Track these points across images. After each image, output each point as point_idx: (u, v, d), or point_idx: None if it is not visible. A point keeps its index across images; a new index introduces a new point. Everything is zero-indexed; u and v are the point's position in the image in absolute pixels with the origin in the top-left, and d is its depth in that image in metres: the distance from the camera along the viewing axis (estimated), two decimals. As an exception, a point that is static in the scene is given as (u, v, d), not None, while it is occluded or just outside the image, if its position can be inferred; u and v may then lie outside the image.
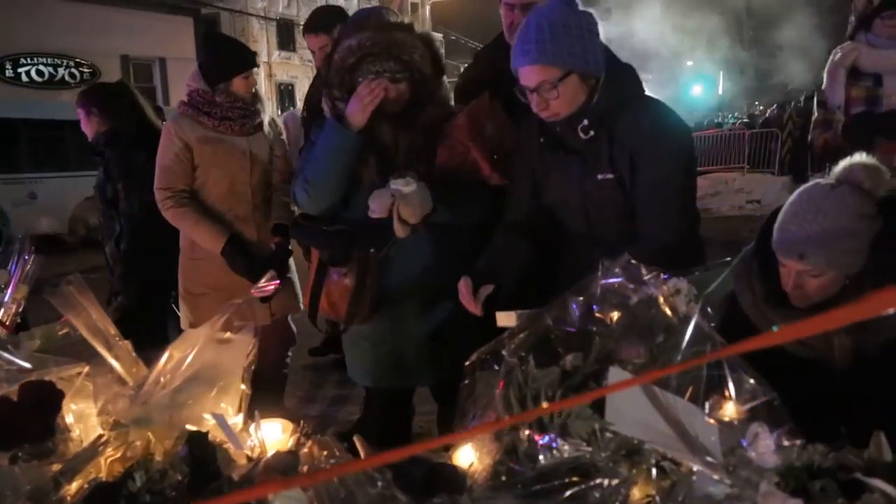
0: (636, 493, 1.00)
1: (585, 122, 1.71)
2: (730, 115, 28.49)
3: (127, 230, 3.21)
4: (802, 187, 1.52)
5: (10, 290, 2.23)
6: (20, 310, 2.22)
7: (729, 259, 1.52)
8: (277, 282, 1.58)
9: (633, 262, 1.17)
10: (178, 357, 1.36)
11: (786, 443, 0.92)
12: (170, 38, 18.95)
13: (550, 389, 1.03)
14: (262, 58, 24.56)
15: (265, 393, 3.19)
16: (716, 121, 21.98)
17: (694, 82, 31.54)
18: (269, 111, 24.08)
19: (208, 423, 1.30)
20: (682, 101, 26.68)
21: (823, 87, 2.85)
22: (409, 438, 2.43)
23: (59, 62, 16.96)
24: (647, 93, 1.89)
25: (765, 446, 0.91)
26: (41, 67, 16.71)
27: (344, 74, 2.02)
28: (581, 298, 1.16)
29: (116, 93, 3.39)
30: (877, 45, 2.67)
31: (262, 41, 24.58)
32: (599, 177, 1.75)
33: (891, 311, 0.49)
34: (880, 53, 2.66)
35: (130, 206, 3.18)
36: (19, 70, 16.35)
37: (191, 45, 19.93)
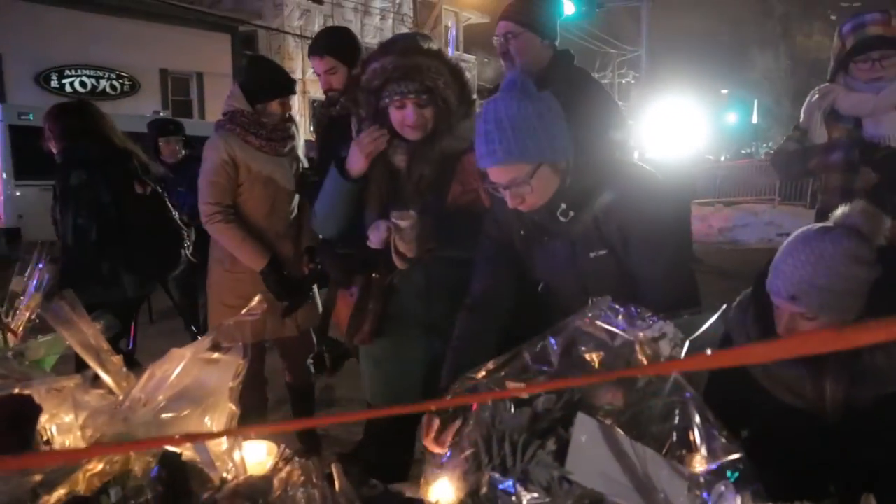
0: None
1: (563, 205, 1.67)
2: (763, 146, 28.17)
3: (61, 250, 3.25)
4: (800, 229, 1.49)
5: (25, 298, 2.28)
6: (33, 317, 2.27)
7: (725, 306, 1.49)
8: (265, 305, 1.59)
9: (613, 306, 1.15)
10: (161, 375, 1.36)
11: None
12: (208, 53, 19.43)
13: (516, 433, 1.01)
14: (297, 75, 24.95)
15: (299, 403, 3.29)
16: (745, 151, 21.67)
17: (728, 110, 31.23)
18: (303, 128, 24.43)
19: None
20: (715, 128, 26.40)
21: (800, 125, 2.79)
22: (411, 460, 2.42)
23: (101, 74, 17.48)
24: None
25: (729, 504, 0.88)
26: (84, 79, 17.23)
27: (369, 96, 2.04)
28: (560, 338, 1.15)
29: (74, 112, 3.38)
30: (854, 88, 2.60)
31: (298, 59, 24.98)
32: (592, 255, 1.71)
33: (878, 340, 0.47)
34: (858, 97, 2.58)
35: (64, 226, 3.23)
36: (63, 81, 16.87)
37: (228, 61, 20.39)
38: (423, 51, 2.02)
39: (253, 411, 3.38)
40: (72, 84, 16.99)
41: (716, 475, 0.90)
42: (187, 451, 1.26)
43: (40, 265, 2.33)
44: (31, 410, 1.22)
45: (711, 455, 0.91)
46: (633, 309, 1.23)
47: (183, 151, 4.61)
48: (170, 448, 1.25)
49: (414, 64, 1.97)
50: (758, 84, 30.41)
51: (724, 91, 35.75)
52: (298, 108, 24.87)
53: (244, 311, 1.57)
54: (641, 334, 1.12)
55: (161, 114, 15.35)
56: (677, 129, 14.84)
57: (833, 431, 1.45)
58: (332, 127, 2.94)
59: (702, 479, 0.90)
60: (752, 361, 1.34)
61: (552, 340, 1.19)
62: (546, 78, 2.57)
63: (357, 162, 2.04)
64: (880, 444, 1.37)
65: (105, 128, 3.35)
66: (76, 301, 1.42)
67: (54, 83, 16.75)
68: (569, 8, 12.16)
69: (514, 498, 0.94)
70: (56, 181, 3.30)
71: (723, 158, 20.66)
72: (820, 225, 1.47)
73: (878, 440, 1.38)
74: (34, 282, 2.30)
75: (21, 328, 2.20)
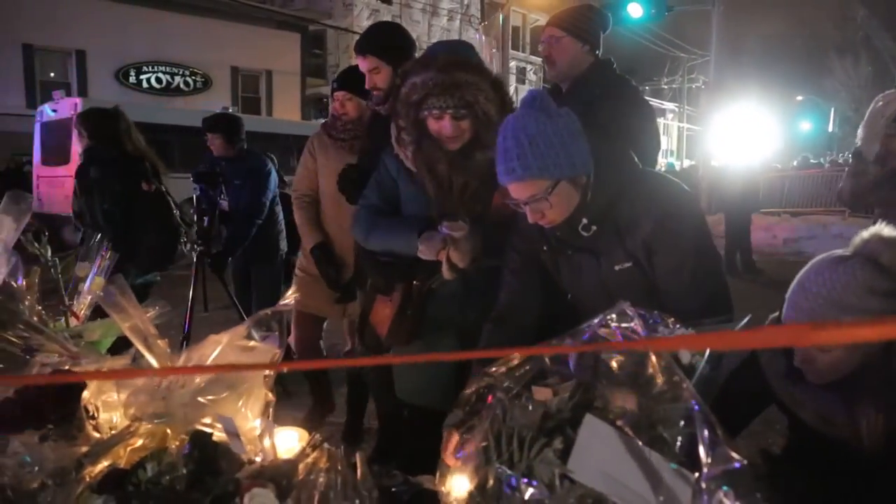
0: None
1: (584, 220, 1.67)
2: (839, 156, 26.99)
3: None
4: (817, 257, 1.43)
5: (87, 283, 2.41)
6: (94, 301, 2.40)
7: (750, 316, 1.46)
8: (297, 298, 1.65)
9: (627, 311, 1.16)
10: (197, 359, 1.44)
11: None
12: (277, 52, 19.97)
13: (525, 430, 1.03)
14: (364, 74, 25.34)
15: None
16: (815, 161, 20.77)
17: (802, 118, 30.09)
18: (365, 125, 24.73)
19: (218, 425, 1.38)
20: (788, 136, 25.48)
21: (859, 136, 2.66)
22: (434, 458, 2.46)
23: (175, 71, 18.23)
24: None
25: (728, 513, 0.88)
26: (160, 75, 17.99)
27: (409, 108, 2.06)
28: (573, 341, 1.16)
29: (106, 117, 3.87)
30: None
31: (365, 58, 25.38)
32: (617, 267, 1.70)
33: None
34: None
35: (93, 214, 3.74)
36: (141, 77, 17.66)
37: (296, 59, 20.91)
38: (463, 65, 2.02)
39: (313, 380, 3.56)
40: (148, 80, 17.77)
41: (716, 482, 0.90)
42: (219, 433, 1.33)
43: (103, 250, 2.46)
44: (75, 386, 1.31)
45: (714, 462, 0.91)
46: (655, 315, 1.23)
47: (235, 147, 4.54)
48: (202, 428, 1.32)
49: (454, 80, 1.98)
50: (835, 91, 29.19)
51: (799, 98, 34.45)
52: (365, 106, 25.24)
53: (281, 302, 1.64)
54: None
55: (230, 110, 15.92)
56: (746, 136, 14.41)
57: (869, 464, 1.38)
58: (377, 124, 3.01)
59: (703, 485, 0.90)
60: (749, 346, 1.31)
61: (570, 342, 1.20)
62: (583, 83, 2.59)
63: (432, 249, 2.02)
64: None
65: (121, 134, 3.81)
66: (126, 286, 1.52)
67: (132, 79, 17.55)
68: (636, 11, 12.00)
69: (516, 493, 0.96)
70: (77, 177, 3.81)
71: (794, 164, 19.87)
72: (838, 253, 1.40)
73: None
74: (96, 268, 2.44)
75: (83, 311, 2.34)
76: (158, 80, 18.05)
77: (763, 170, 11.20)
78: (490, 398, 1.17)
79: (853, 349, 1.34)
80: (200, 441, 1.25)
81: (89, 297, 2.38)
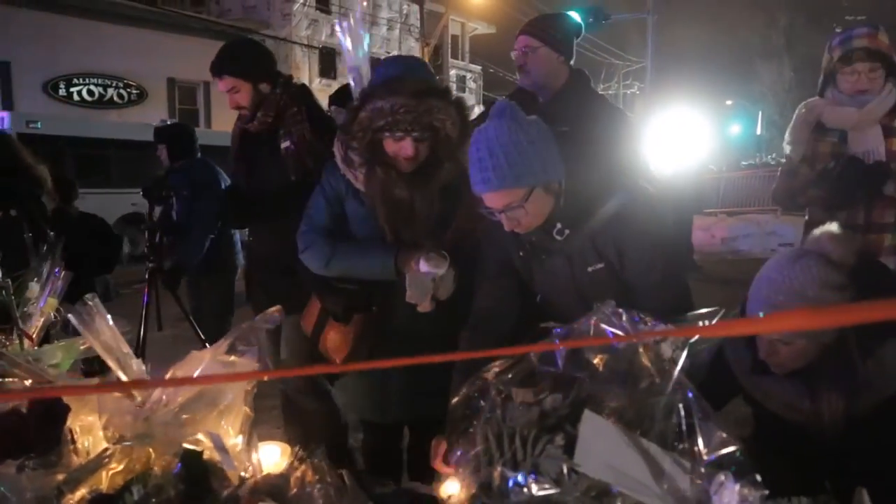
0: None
1: (559, 225, 1.71)
2: (768, 157, 28.20)
3: None
4: (774, 256, 1.52)
5: (40, 303, 2.32)
6: (47, 323, 2.31)
7: (723, 311, 1.52)
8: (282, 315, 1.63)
9: (615, 309, 1.20)
10: (181, 377, 1.41)
11: (747, 494, 0.93)
12: (215, 62, 19.56)
13: (526, 429, 1.06)
14: (304, 84, 25.12)
15: None
16: (745, 162, 21.69)
17: (732, 121, 31.28)
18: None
19: (205, 442, 1.36)
20: (719, 139, 26.44)
21: (787, 140, 2.82)
22: (400, 471, 2.46)
23: (108, 83, 17.61)
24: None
25: (729, 496, 0.93)
26: (92, 87, 17.36)
27: (368, 133, 1.98)
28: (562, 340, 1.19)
29: None
30: (840, 101, 2.62)
31: (305, 68, 25.16)
32: (590, 269, 1.75)
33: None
34: (843, 110, 2.60)
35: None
36: (71, 90, 17.00)
37: (235, 69, 20.52)
38: (432, 91, 1.98)
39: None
40: (79, 93, 17.12)
41: (715, 467, 0.95)
42: (208, 451, 1.31)
43: (56, 271, 2.38)
44: (60, 410, 1.26)
45: (711, 448, 0.96)
46: (635, 314, 1.28)
47: (180, 158, 4.44)
48: (189, 447, 1.30)
49: (423, 107, 1.93)
50: (762, 95, 30.49)
51: (729, 102, 35.83)
52: (304, 117, 25.00)
53: (259, 317, 1.62)
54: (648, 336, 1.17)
55: (168, 122, 15.51)
56: (681, 140, 14.89)
57: (831, 444, 1.48)
58: (246, 140, 2.89)
59: (703, 470, 0.95)
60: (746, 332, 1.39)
61: (556, 343, 1.23)
62: (562, 99, 2.59)
63: (423, 292, 1.99)
64: (881, 450, 1.41)
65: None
66: (99, 305, 1.48)
67: (62, 91, 16.88)
68: (576, 20, 12.34)
69: (525, 490, 0.98)
70: None
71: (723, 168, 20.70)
72: (794, 251, 1.50)
73: (879, 447, 1.41)
74: (48, 288, 2.35)
75: (36, 333, 2.25)
76: (90, 93, 17.42)
77: (700, 172, 11.60)
78: (483, 402, 1.19)
79: (813, 340, 1.44)
80: (191, 459, 1.23)
81: (41, 320, 2.30)
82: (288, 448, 1.65)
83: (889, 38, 2.60)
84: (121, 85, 17.80)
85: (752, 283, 1.53)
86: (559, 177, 1.67)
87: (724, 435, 0.97)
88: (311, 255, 2.16)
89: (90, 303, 1.46)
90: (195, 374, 1.49)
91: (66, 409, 1.29)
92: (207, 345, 3.55)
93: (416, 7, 27.70)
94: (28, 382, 1.49)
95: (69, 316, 1.46)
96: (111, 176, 11.60)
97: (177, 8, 20.03)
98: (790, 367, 1.50)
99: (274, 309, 1.59)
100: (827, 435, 1.50)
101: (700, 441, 0.97)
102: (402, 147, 1.96)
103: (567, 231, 1.70)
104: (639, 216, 1.71)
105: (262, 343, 1.60)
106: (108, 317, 1.48)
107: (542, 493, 0.97)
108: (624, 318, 1.16)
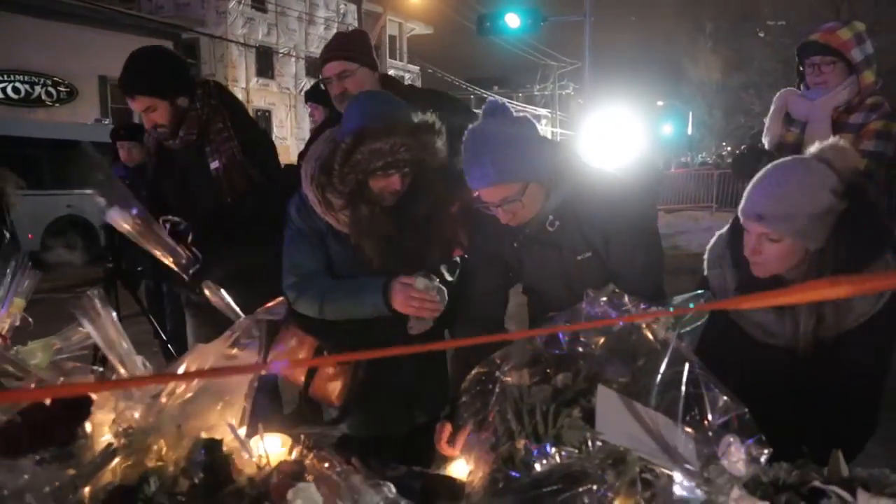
0: (620, 502, 1.12)
1: (550, 217, 1.81)
2: (698, 156, 29.28)
3: None
4: (777, 161, 1.63)
5: (5, 304, 2.28)
6: (16, 323, 2.27)
7: (702, 291, 1.64)
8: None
9: (616, 291, 1.30)
10: (193, 369, 1.44)
11: (754, 453, 1.04)
12: (149, 60, 18.97)
13: (545, 404, 1.14)
14: (241, 84, 24.70)
15: None
16: (682, 160, 22.57)
17: (664, 121, 32.36)
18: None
19: (218, 433, 1.39)
20: (652, 139, 27.33)
21: (766, 127, 3.03)
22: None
23: (35, 80, 16.87)
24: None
25: (736, 456, 1.03)
26: (17, 85, 16.60)
27: (360, 174, 1.93)
28: (565, 322, 1.29)
29: None
30: (805, 95, 2.84)
31: (241, 67, 24.74)
32: (578, 258, 1.85)
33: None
34: (800, 101, 2.83)
35: None
36: (-6, 87, 16.24)
37: (170, 68, 19.97)
38: (427, 128, 1.95)
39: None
40: (4, 90, 16.34)
41: (722, 429, 1.05)
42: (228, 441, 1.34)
43: (19, 272, 2.33)
44: (83, 402, 1.27)
45: (717, 412, 1.06)
46: (627, 297, 1.38)
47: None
48: (207, 437, 1.32)
49: (422, 143, 1.92)
50: (692, 96, 31.62)
51: (660, 103, 37.07)
52: (242, 116, 24.54)
53: (260, 309, 1.65)
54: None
55: (104, 122, 14.96)
56: (616, 140, 15.37)
57: (803, 365, 1.62)
58: (167, 156, 2.75)
59: (710, 434, 1.05)
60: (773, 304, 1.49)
61: (559, 324, 1.32)
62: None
63: (402, 306, 1.94)
64: (843, 373, 1.56)
65: None
66: (105, 299, 1.48)
67: (-16, 88, 16.13)
68: (514, 21, 12.51)
69: (549, 459, 1.07)
70: None
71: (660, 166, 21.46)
72: (797, 157, 1.62)
73: (842, 370, 1.56)
74: (14, 287, 2.31)
75: (6, 332, 2.21)
76: (16, 90, 16.63)
77: (638, 170, 12.00)
78: (495, 385, 1.27)
79: (799, 240, 1.55)
80: (213, 449, 1.26)
81: (8, 320, 2.26)
82: (289, 439, 1.68)
83: (859, 36, 2.74)
84: (49, 83, 17.07)
85: (749, 185, 1.62)
86: (550, 171, 1.76)
87: (729, 400, 1.08)
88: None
89: (94, 298, 1.47)
90: (206, 368, 1.52)
91: (89, 403, 1.29)
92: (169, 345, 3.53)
93: (353, 7, 27.61)
94: (22, 381, 1.47)
95: (75, 311, 1.46)
96: (43, 178, 11.12)
97: (106, 4, 19.32)
98: (771, 268, 1.59)
99: (276, 301, 1.62)
100: (799, 356, 1.62)
101: (707, 407, 1.08)
102: (390, 183, 1.94)
103: (557, 223, 1.80)
104: (623, 205, 1.83)
105: (263, 336, 1.64)
106: (113, 312, 1.49)
107: (566, 461, 1.06)
108: (626, 299, 1.25)
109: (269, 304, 1.64)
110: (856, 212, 1.55)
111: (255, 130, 2.84)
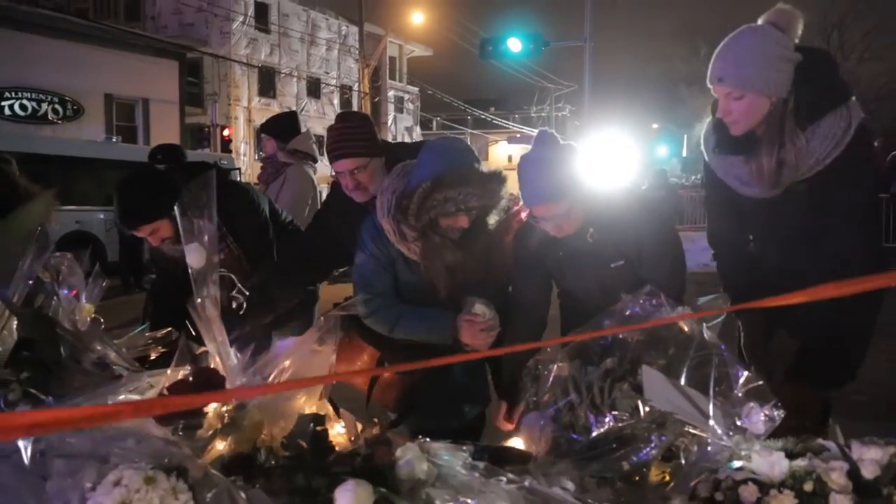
0: (655, 471, 1.37)
1: (591, 230, 2.10)
2: (693, 177, 29.71)
3: None
4: (740, 28, 1.91)
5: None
6: (85, 327, 2.51)
7: (721, 294, 1.89)
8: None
9: (653, 290, 1.57)
10: (283, 365, 1.70)
11: (771, 414, 1.30)
12: (154, 79, 19.29)
13: (599, 381, 1.41)
14: (243, 103, 25.08)
15: None
16: (672, 180, 22.99)
17: (659, 143, 32.90)
18: (248, 155, 24.47)
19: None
20: (647, 161, 27.81)
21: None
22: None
23: (42, 98, 17.13)
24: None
25: (756, 417, 1.29)
26: (25, 102, 16.85)
27: (433, 213, 2.14)
28: (611, 320, 1.56)
29: None
30: None
31: (244, 86, 25.11)
32: (613, 265, 2.13)
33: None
34: None
35: None
36: (2, 104, 16.46)
37: (174, 87, 20.31)
38: (494, 177, 2.20)
39: None
40: (11, 107, 16.59)
41: (745, 397, 1.31)
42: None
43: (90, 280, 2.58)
44: (219, 380, 1.52)
45: (741, 386, 1.33)
46: (663, 296, 1.65)
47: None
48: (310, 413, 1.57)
49: (488, 192, 2.16)
50: (687, 120, 32.22)
51: (655, 125, 37.70)
52: (243, 135, 24.92)
53: (336, 305, 1.90)
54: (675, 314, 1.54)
55: (114, 140, 15.21)
56: (613, 161, 15.70)
57: (773, 204, 1.93)
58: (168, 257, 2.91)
59: (734, 402, 1.31)
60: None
61: (606, 322, 1.59)
62: None
63: (467, 338, 2.18)
64: (805, 211, 1.87)
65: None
66: (214, 310, 1.74)
67: (-8, 105, 16.37)
68: (516, 45, 12.83)
69: (606, 422, 1.33)
70: None
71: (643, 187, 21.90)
72: (752, 25, 1.89)
73: (803, 208, 1.88)
74: (84, 294, 2.55)
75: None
76: (23, 108, 16.87)
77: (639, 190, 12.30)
78: (550, 372, 1.54)
79: (761, 94, 1.83)
80: (319, 422, 1.50)
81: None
82: (351, 419, 1.91)
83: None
84: (55, 100, 17.34)
85: (718, 49, 1.91)
86: (590, 189, 2.05)
87: (750, 374, 1.35)
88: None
89: (207, 308, 1.71)
90: (287, 363, 1.77)
91: (223, 380, 1.54)
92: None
93: (354, 28, 28.09)
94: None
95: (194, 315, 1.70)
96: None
97: (112, 24, 19.69)
98: (744, 124, 1.88)
99: (353, 300, 1.87)
100: (766, 195, 1.92)
101: (732, 382, 1.34)
102: (458, 221, 2.17)
103: (596, 234, 2.08)
104: (653, 219, 2.13)
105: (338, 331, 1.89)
106: (220, 322, 1.73)
107: (620, 424, 1.32)
108: (662, 297, 1.52)
109: (345, 302, 1.89)
110: (811, 63, 1.81)
111: (245, 209, 2.92)
